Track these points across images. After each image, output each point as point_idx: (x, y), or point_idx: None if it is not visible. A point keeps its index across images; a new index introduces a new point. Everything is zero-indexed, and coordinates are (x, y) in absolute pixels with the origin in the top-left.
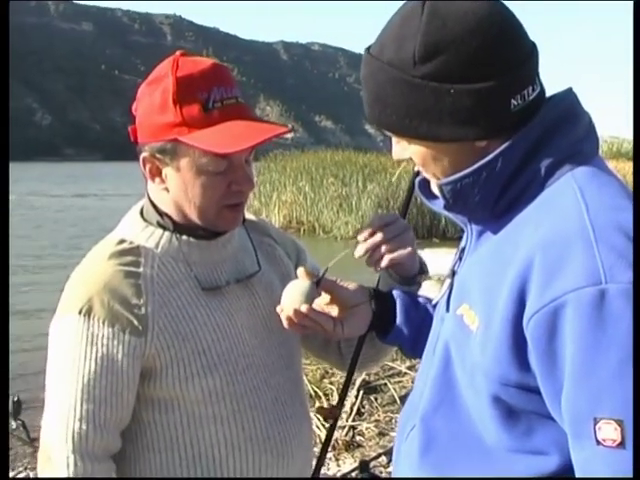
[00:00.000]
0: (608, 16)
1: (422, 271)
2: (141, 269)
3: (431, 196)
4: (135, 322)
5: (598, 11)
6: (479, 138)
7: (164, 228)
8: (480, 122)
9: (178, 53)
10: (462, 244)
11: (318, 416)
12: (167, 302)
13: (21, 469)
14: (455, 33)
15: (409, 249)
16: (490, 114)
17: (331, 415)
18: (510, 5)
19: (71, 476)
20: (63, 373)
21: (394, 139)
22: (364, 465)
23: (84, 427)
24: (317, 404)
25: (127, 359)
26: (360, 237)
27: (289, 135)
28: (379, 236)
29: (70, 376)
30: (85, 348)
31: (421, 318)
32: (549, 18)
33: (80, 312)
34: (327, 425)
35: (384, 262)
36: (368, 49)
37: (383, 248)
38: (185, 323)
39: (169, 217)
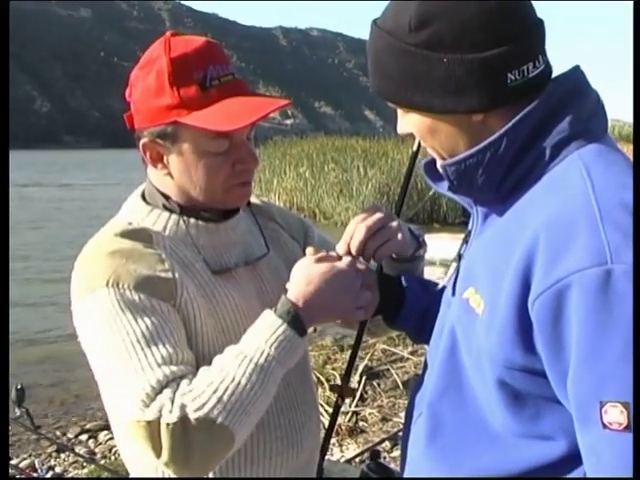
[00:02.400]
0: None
1: (419, 245)
2: (155, 247)
3: (437, 178)
4: (164, 285)
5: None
6: (472, 111)
7: (170, 211)
8: (473, 94)
9: (168, 33)
10: (469, 227)
11: (321, 402)
12: (187, 279)
13: (25, 456)
14: (450, 2)
15: (392, 242)
16: (483, 86)
17: (346, 394)
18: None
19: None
20: (110, 347)
21: (399, 113)
22: (375, 454)
23: (161, 371)
24: (320, 390)
25: (170, 308)
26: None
27: (288, 121)
28: (360, 233)
29: (119, 345)
30: (123, 315)
31: (429, 304)
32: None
33: (107, 284)
34: (330, 411)
35: (375, 260)
36: (376, 20)
37: (369, 246)
38: (204, 301)
39: (174, 200)
